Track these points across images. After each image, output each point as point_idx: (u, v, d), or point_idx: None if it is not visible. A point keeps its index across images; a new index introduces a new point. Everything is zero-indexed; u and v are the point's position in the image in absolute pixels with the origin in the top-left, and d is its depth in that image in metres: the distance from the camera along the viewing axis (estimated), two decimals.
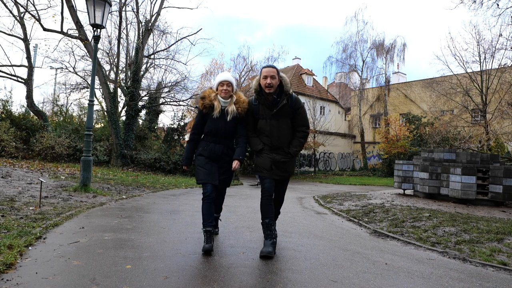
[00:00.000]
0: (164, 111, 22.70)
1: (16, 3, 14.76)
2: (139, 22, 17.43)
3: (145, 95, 19.68)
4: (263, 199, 3.52)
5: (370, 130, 30.91)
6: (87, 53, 15.55)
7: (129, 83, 17.50)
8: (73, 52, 17.77)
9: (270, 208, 3.50)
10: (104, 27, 7.46)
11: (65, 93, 23.75)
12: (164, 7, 17.65)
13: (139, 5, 17.48)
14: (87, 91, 19.90)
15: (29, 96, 16.07)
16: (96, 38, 7.47)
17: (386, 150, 22.91)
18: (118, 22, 17.27)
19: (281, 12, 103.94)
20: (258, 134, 3.61)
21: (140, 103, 18.45)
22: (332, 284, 2.64)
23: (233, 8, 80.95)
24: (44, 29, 14.03)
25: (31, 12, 14.61)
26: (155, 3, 20.08)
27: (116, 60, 18.26)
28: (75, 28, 13.49)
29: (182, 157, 3.32)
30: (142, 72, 18.08)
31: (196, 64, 63.03)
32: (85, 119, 16.93)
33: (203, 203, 3.43)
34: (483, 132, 17.48)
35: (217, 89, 3.60)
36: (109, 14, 9.43)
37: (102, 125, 22.35)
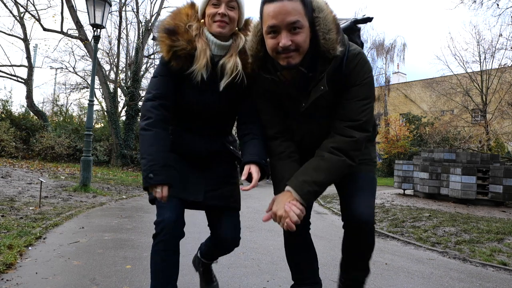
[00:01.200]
0: None
1: (16, 3, 14.79)
2: (139, 22, 17.48)
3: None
4: (286, 236, 1.82)
5: None
6: (87, 53, 15.58)
7: (129, 83, 17.53)
8: (73, 52, 18.00)
9: (303, 253, 1.78)
10: (104, 27, 7.47)
11: (65, 93, 23.90)
12: (164, 7, 17.68)
13: (139, 5, 17.55)
14: (87, 91, 19.92)
15: (29, 96, 16.10)
16: (96, 38, 7.48)
17: (386, 150, 22.89)
18: (118, 22, 17.36)
19: None
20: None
21: (140, 103, 18.45)
22: (332, 284, 2.64)
23: None
24: (44, 29, 14.07)
25: (31, 12, 14.66)
26: (155, 3, 20.14)
27: (116, 60, 18.32)
28: (75, 28, 13.53)
29: (142, 169, 1.50)
30: (142, 72, 18.10)
31: None
32: (85, 119, 16.91)
33: (153, 249, 1.61)
34: (483, 132, 17.50)
35: (203, 16, 1.62)
36: (109, 14, 9.44)
37: (102, 125, 22.37)
